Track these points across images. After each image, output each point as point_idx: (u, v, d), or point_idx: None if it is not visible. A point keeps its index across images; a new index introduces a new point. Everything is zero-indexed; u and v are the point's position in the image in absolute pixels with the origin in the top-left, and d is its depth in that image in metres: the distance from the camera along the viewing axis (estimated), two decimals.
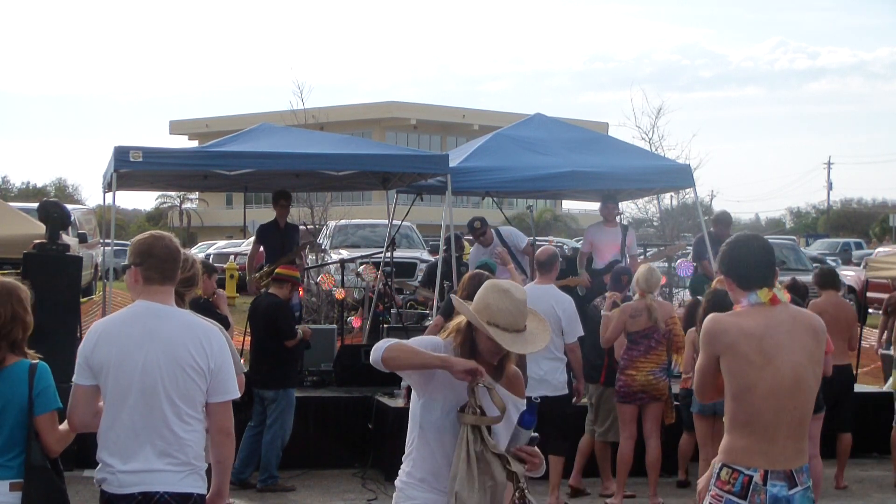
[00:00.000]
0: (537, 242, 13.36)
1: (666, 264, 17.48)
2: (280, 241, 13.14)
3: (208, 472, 4.64)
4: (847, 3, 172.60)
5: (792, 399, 4.42)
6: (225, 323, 8.42)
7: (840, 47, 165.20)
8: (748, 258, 4.64)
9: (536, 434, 4.33)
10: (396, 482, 4.41)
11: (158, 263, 4.57)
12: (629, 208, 25.90)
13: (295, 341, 9.86)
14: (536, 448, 4.35)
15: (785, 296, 4.63)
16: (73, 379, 4.59)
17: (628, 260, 12.47)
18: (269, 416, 9.76)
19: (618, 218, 13.38)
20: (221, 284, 17.29)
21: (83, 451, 8.83)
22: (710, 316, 4.61)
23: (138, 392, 4.44)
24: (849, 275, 26.18)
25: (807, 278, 22.95)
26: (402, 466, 4.42)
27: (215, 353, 4.52)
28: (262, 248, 13.44)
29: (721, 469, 4.42)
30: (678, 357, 9.24)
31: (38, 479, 4.64)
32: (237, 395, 4.66)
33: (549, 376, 8.78)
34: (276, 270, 10.55)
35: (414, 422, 4.37)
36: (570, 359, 8.99)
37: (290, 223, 13.72)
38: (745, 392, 4.39)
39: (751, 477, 4.33)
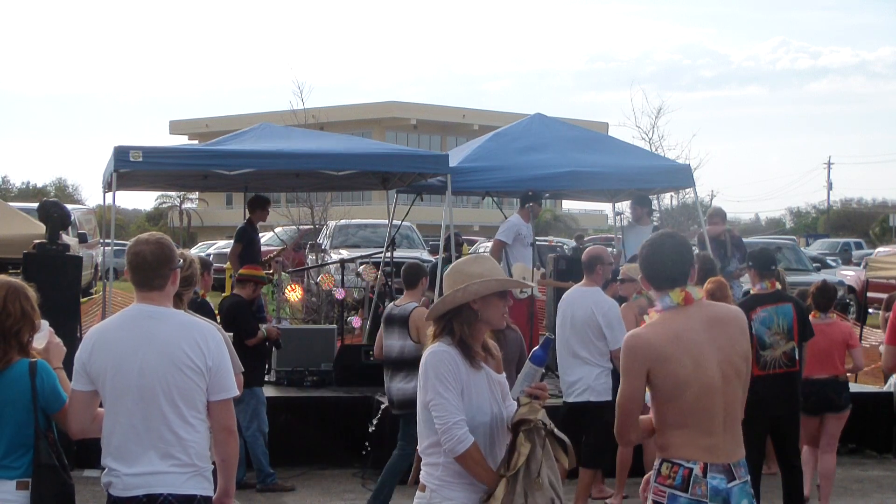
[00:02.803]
0: (537, 242, 13.35)
1: None
2: (258, 243, 13.28)
3: (214, 473, 4.63)
4: (849, 3, 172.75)
5: (723, 396, 4.42)
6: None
7: (842, 47, 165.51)
8: (659, 257, 4.59)
9: (545, 371, 4.43)
10: (427, 484, 4.36)
11: (130, 270, 4.57)
12: (629, 208, 25.91)
13: (256, 340, 9.81)
14: (545, 383, 4.44)
15: (699, 293, 4.57)
16: (70, 384, 4.58)
17: None
18: (241, 418, 9.58)
19: (652, 217, 13.64)
20: (221, 284, 17.28)
21: (83, 451, 8.86)
22: (628, 334, 4.55)
23: (137, 395, 4.43)
24: (849, 275, 26.19)
25: (807, 278, 23.10)
26: (426, 469, 4.39)
27: (212, 352, 4.49)
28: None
29: (661, 464, 4.45)
30: None
31: (48, 477, 4.64)
32: (237, 392, 4.65)
33: (595, 382, 8.65)
34: (239, 271, 10.61)
35: (432, 428, 4.33)
36: (615, 366, 8.79)
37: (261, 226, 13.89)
38: (676, 397, 4.39)
39: (691, 469, 4.36)
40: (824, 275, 25.64)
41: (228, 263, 17.32)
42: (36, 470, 4.63)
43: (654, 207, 15.05)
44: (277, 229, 22.72)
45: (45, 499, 4.62)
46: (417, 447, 4.51)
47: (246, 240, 13.61)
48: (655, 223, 13.83)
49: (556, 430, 4.37)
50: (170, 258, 4.60)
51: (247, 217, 13.92)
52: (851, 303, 24.07)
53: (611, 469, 9.50)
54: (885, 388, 12.05)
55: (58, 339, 5.00)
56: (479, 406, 4.31)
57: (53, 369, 4.92)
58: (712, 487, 4.34)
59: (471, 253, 19.93)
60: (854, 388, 12.84)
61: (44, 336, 4.94)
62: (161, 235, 4.73)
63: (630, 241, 13.08)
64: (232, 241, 14.72)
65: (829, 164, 73.40)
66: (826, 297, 9.23)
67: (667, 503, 4.39)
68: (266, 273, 12.63)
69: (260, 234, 14.86)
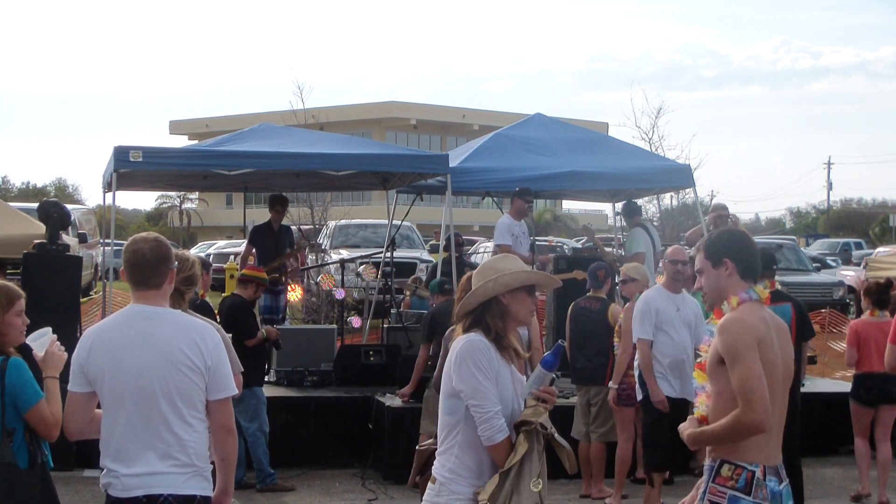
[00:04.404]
0: (537, 243, 13.36)
1: None
2: (273, 244, 13.22)
3: (214, 474, 4.62)
4: (850, 3, 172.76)
5: (782, 395, 4.47)
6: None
7: (843, 47, 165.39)
8: (754, 249, 4.63)
9: (554, 376, 4.50)
10: (438, 476, 4.40)
11: (128, 269, 4.55)
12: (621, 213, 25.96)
13: (256, 341, 9.80)
14: (553, 388, 4.48)
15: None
16: (67, 386, 4.58)
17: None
18: (242, 418, 9.52)
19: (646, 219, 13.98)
20: (221, 284, 17.29)
21: (83, 451, 8.85)
22: (730, 315, 4.46)
23: (135, 396, 4.42)
24: (849, 275, 26.20)
25: (807, 279, 23.07)
26: (439, 461, 4.43)
27: (210, 351, 4.49)
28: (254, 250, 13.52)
29: (721, 466, 4.42)
30: None
31: (8, 475, 4.63)
32: (236, 391, 4.65)
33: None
34: (242, 271, 10.59)
35: (454, 416, 4.37)
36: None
37: (283, 225, 13.74)
38: None
39: (753, 472, 4.35)
40: (824, 275, 25.73)
41: (229, 263, 17.32)
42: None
43: (651, 207, 15.09)
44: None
45: (6, 498, 4.60)
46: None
47: (256, 242, 13.49)
48: (655, 223, 13.91)
49: (556, 434, 4.39)
50: (168, 257, 4.60)
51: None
52: (851, 303, 24.08)
53: (610, 469, 9.53)
54: None
55: (59, 349, 4.99)
56: (503, 398, 4.35)
57: (46, 377, 4.90)
58: (770, 490, 4.36)
59: (471, 254, 19.89)
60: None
61: (44, 343, 4.93)
62: (158, 234, 4.73)
63: (633, 242, 13.17)
64: (231, 241, 14.62)
65: (829, 164, 73.46)
66: (888, 294, 9.58)
67: None
68: (275, 276, 12.66)
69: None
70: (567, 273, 12.22)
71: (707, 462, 4.49)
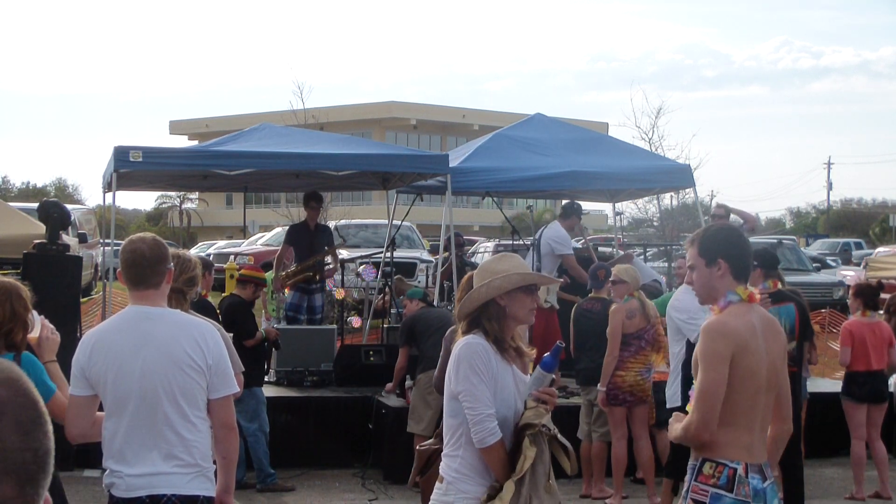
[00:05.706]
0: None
1: (666, 264, 17.51)
2: (309, 242, 13.17)
3: (216, 474, 4.62)
4: (851, 3, 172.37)
5: (766, 396, 4.44)
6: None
7: (844, 47, 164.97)
8: (748, 249, 4.58)
9: (553, 376, 4.49)
10: (445, 475, 4.42)
11: (126, 269, 4.55)
12: (629, 208, 25.91)
13: (254, 341, 9.80)
14: (554, 389, 4.48)
15: (758, 294, 4.60)
16: (69, 390, 4.56)
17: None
18: (242, 418, 9.51)
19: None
20: (221, 284, 17.28)
21: (83, 451, 8.86)
22: (713, 320, 4.44)
23: (139, 398, 4.42)
24: (849, 275, 26.20)
25: (807, 279, 23.07)
26: (445, 461, 4.45)
27: (212, 350, 4.49)
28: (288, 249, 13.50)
29: (703, 464, 4.42)
30: (657, 357, 9.19)
31: None
32: (237, 389, 4.65)
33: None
34: (240, 271, 10.58)
35: (457, 418, 4.39)
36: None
37: (321, 224, 13.71)
38: (737, 392, 4.36)
39: (735, 469, 4.35)
40: (824, 275, 25.74)
41: (229, 263, 17.28)
42: None
43: (651, 207, 15.06)
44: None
45: None
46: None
47: (293, 241, 13.43)
48: (655, 223, 13.95)
49: (558, 434, 4.39)
50: (166, 256, 4.62)
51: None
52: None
53: (611, 469, 9.53)
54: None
55: (50, 330, 4.99)
56: (504, 399, 4.36)
57: (46, 362, 4.91)
58: (752, 488, 4.35)
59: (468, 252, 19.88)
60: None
61: (36, 328, 4.93)
62: (154, 234, 4.75)
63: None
64: (231, 241, 14.60)
65: (829, 164, 73.45)
66: (878, 296, 9.93)
67: (709, 503, 4.37)
68: (308, 274, 12.67)
69: (261, 234, 14.68)
70: (571, 295, 12.16)
71: (690, 461, 4.49)
